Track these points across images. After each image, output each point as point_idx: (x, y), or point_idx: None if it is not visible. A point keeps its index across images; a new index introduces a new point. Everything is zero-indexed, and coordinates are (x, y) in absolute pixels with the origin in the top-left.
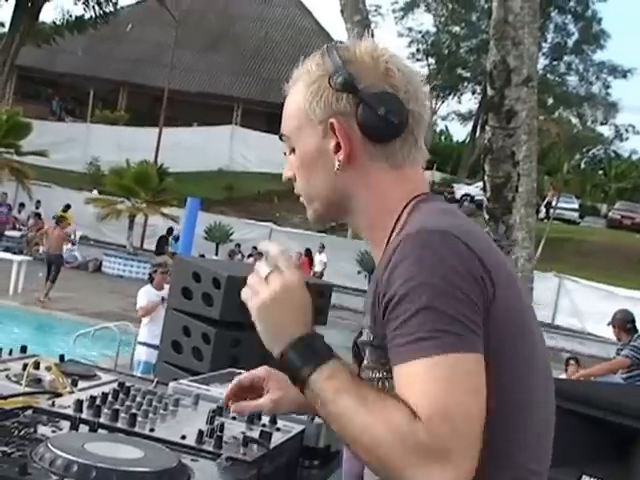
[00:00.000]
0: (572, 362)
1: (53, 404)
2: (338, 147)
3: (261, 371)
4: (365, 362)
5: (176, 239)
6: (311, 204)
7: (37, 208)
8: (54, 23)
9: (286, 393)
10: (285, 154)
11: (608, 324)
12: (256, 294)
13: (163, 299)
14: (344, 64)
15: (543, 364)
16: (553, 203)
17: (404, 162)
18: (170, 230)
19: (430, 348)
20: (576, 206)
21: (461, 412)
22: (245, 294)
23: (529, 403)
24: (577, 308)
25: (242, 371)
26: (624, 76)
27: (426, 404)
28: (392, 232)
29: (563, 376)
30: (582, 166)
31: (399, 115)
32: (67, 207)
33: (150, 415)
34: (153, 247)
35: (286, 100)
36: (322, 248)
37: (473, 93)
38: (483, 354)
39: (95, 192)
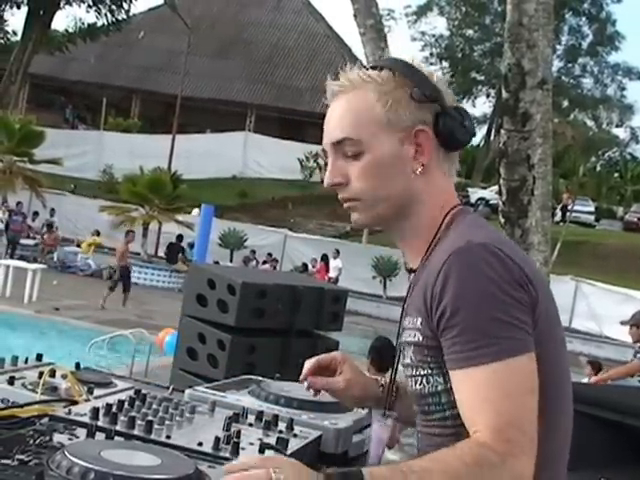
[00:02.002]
0: (589, 367)
1: (69, 412)
2: (417, 153)
3: (337, 354)
4: (407, 360)
5: (191, 246)
6: (374, 207)
7: (52, 216)
8: (66, 31)
9: (358, 378)
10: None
11: (625, 323)
12: None
13: None
14: (426, 78)
15: (567, 365)
16: (569, 206)
17: (453, 170)
18: (180, 237)
19: (488, 355)
20: (592, 209)
21: (525, 415)
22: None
23: (557, 403)
24: (594, 312)
25: (259, 377)
26: (639, 78)
27: (492, 414)
28: (434, 239)
29: (584, 380)
30: (598, 169)
31: (474, 128)
32: (98, 233)
33: (166, 422)
34: None
35: (344, 105)
36: (337, 254)
37: (487, 96)
38: (534, 351)
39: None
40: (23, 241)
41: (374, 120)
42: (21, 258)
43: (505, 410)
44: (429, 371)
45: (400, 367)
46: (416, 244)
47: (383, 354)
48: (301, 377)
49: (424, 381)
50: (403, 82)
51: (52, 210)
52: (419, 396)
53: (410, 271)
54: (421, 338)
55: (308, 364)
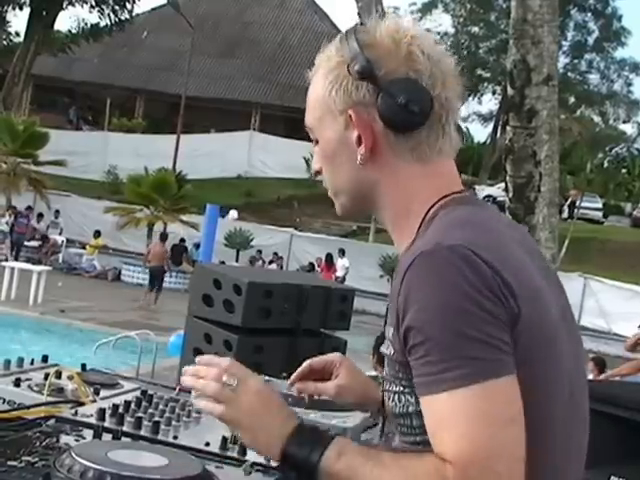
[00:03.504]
0: (592, 364)
1: (76, 413)
2: (360, 139)
3: (335, 356)
4: (384, 373)
5: (197, 246)
6: (337, 198)
7: (56, 217)
8: (69, 32)
9: (352, 384)
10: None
11: None
12: (227, 405)
13: None
14: (363, 49)
15: (575, 372)
16: (577, 203)
17: (431, 154)
18: (182, 240)
19: (456, 379)
20: (600, 205)
21: (497, 450)
22: (206, 405)
23: (552, 417)
24: (603, 309)
25: (265, 377)
26: None
27: (456, 449)
28: (416, 236)
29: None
30: (605, 165)
31: (421, 103)
32: (98, 233)
33: (173, 422)
34: None
35: (309, 89)
36: (342, 253)
37: (493, 93)
38: (515, 373)
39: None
40: (28, 243)
41: (319, 104)
42: (26, 260)
43: (471, 445)
44: (401, 388)
45: None
46: (398, 238)
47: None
48: (288, 383)
49: (396, 399)
50: (345, 56)
51: (57, 212)
52: (391, 415)
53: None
54: (392, 352)
55: (300, 368)
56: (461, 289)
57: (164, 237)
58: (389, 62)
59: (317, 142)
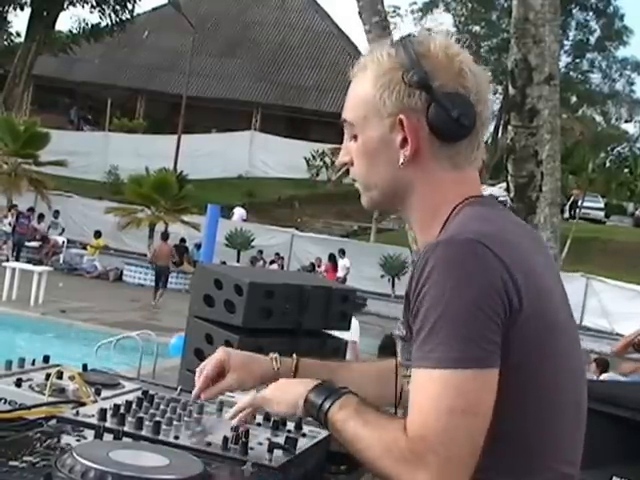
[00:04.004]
0: (594, 364)
1: (77, 413)
2: (404, 142)
3: (220, 353)
4: (399, 358)
5: (198, 247)
6: (368, 191)
7: (56, 218)
8: (70, 32)
9: (247, 371)
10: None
11: None
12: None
13: None
14: (419, 60)
15: (577, 368)
16: (578, 202)
17: (465, 163)
18: (182, 240)
19: (433, 361)
20: (602, 205)
21: (440, 434)
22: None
23: (560, 408)
24: (605, 309)
25: None
26: None
27: (414, 420)
28: (440, 232)
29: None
30: (607, 164)
31: (470, 118)
32: (98, 234)
33: (174, 422)
34: None
35: (351, 86)
36: (342, 254)
37: (495, 93)
38: (494, 368)
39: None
40: (29, 243)
41: (366, 104)
42: (27, 261)
43: (424, 422)
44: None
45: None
46: (422, 236)
47: (394, 351)
48: (192, 396)
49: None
50: (400, 63)
51: (56, 212)
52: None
53: None
54: (405, 332)
55: (197, 382)
56: (468, 281)
57: (165, 236)
58: (443, 75)
59: (354, 138)
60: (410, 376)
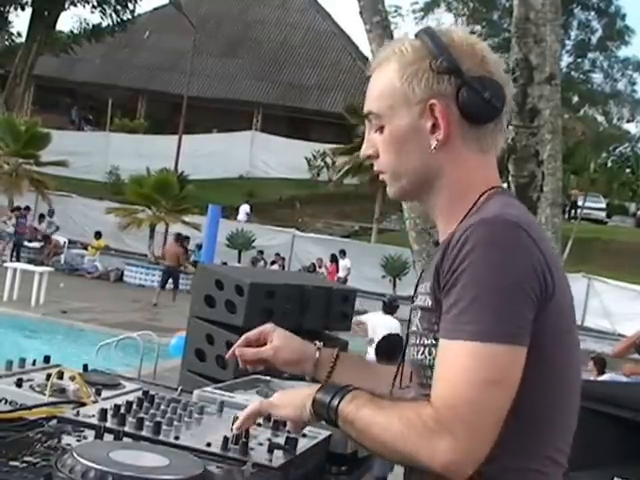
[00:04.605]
0: (591, 363)
1: (77, 413)
2: (434, 127)
3: (267, 326)
4: (413, 328)
5: (199, 247)
6: (398, 181)
7: (50, 217)
8: (71, 32)
9: (287, 343)
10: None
11: None
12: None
13: None
14: (446, 47)
15: (578, 361)
16: (579, 203)
17: (490, 146)
18: (186, 238)
19: (469, 333)
20: (603, 205)
21: (471, 403)
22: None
23: (569, 395)
24: (607, 309)
25: (267, 377)
26: None
27: (444, 390)
28: (466, 215)
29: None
30: (609, 164)
31: (501, 100)
32: (99, 234)
33: (175, 423)
34: None
35: (373, 79)
36: (343, 254)
37: None
38: (525, 347)
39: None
40: (29, 244)
41: (393, 93)
42: (28, 261)
43: (455, 392)
44: (433, 341)
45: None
46: (446, 219)
47: (391, 350)
48: (228, 354)
49: (426, 352)
50: (425, 52)
51: (51, 211)
52: (419, 366)
53: (437, 245)
54: (430, 302)
55: (238, 341)
56: (508, 260)
57: (179, 237)
58: (469, 61)
59: (380, 129)
60: (423, 345)
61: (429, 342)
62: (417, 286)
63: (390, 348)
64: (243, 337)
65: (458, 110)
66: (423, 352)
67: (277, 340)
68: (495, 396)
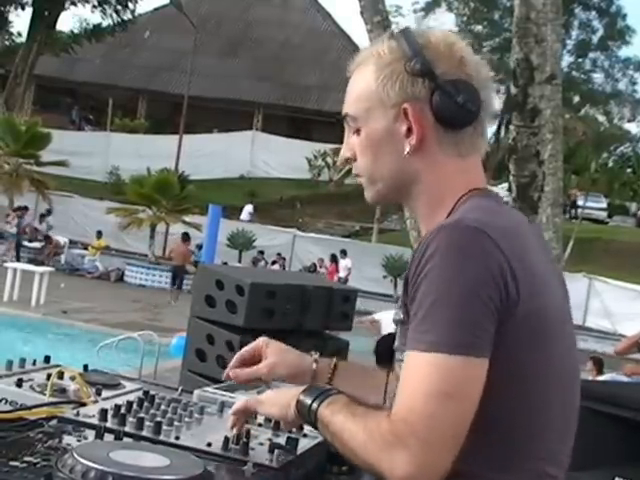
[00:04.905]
0: (590, 362)
1: (77, 413)
2: (409, 132)
3: (259, 341)
4: (396, 343)
5: (199, 247)
6: (374, 185)
7: (47, 215)
8: (72, 32)
9: (282, 358)
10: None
11: None
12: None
13: None
14: (421, 49)
15: (570, 368)
16: (580, 203)
17: (470, 151)
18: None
19: (426, 344)
20: (604, 205)
21: (423, 416)
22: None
23: (546, 407)
24: (608, 309)
25: None
26: None
27: (401, 403)
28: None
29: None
30: (610, 164)
31: (476, 104)
32: (100, 234)
33: (175, 423)
34: None
35: (351, 81)
36: (344, 254)
37: (497, 93)
38: (485, 358)
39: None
40: (30, 244)
41: (369, 96)
42: (29, 261)
43: (410, 405)
44: None
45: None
46: (426, 225)
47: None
48: (224, 375)
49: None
50: (401, 54)
51: (47, 210)
52: None
53: None
54: (402, 316)
55: (232, 362)
56: (467, 267)
57: (186, 237)
58: (444, 64)
59: (357, 132)
60: (401, 360)
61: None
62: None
63: (389, 348)
64: (237, 356)
65: (432, 114)
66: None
67: (272, 356)
68: (451, 410)
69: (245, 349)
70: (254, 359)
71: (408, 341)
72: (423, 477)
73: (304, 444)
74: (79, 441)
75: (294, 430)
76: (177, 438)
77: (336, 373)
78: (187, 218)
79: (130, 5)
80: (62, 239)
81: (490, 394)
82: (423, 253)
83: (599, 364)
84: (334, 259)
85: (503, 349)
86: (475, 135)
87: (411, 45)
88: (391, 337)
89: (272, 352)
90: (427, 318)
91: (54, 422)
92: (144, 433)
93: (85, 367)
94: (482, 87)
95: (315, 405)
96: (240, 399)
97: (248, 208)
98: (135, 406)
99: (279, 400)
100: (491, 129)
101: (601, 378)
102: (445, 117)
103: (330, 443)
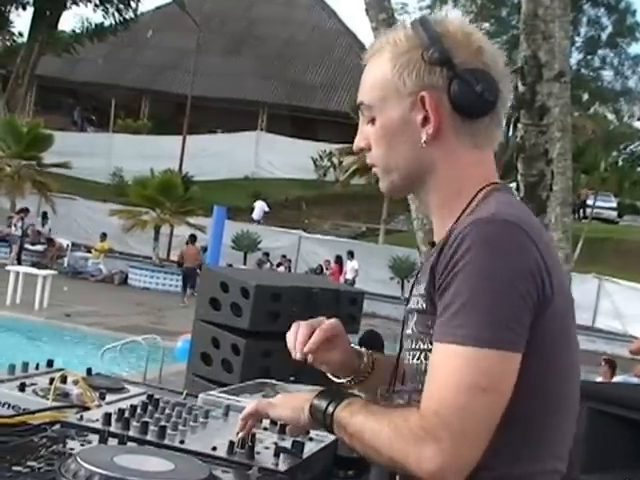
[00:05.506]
0: (603, 363)
1: (81, 418)
2: (425, 121)
3: (338, 326)
4: (409, 331)
5: (204, 249)
6: (389, 175)
7: (44, 218)
8: (73, 31)
9: (350, 359)
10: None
11: None
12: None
13: None
14: (439, 38)
15: (577, 367)
16: (589, 202)
17: (485, 142)
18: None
19: (460, 337)
20: (614, 205)
21: (457, 409)
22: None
23: (570, 400)
24: (618, 310)
25: (273, 381)
26: None
27: (432, 396)
28: (463, 213)
29: (599, 378)
30: (620, 163)
31: (493, 93)
32: (104, 236)
33: (180, 427)
34: None
35: (366, 69)
36: (351, 256)
37: None
38: (520, 353)
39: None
40: (32, 247)
41: (384, 85)
42: (32, 264)
43: (442, 398)
44: (429, 346)
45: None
46: (441, 217)
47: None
48: (307, 349)
49: (422, 356)
50: (418, 42)
51: (44, 213)
52: (415, 372)
53: (432, 245)
54: (424, 305)
55: (317, 336)
56: (504, 261)
57: (194, 238)
58: (463, 53)
59: (371, 121)
60: (419, 349)
61: (425, 347)
62: (412, 288)
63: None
64: (323, 335)
65: (450, 103)
66: (419, 357)
67: (340, 351)
68: (483, 403)
69: (326, 329)
70: (329, 340)
71: (439, 334)
72: (452, 470)
73: (310, 448)
74: (83, 446)
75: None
76: (182, 442)
77: (374, 369)
78: (191, 220)
79: (132, 4)
80: (65, 242)
81: (516, 388)
82: (458, 246)
83: (613, 366)
84: (339, 260)
85: (533, 345)
86: (491, 126)
87: (429, 33)
88: (372, 333)
89: (342, 346)
90: (461, 312)
91: (57, 427)
92: (148, 437)
93: (89, 371)
94: (500, 78)
95: (331, 408)
96: (249, 403)
97: (261, 205)
98: (139, 410)
99: (292, 403)
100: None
101: (613, 380)
102: (463, 106)
103: (350, 445)
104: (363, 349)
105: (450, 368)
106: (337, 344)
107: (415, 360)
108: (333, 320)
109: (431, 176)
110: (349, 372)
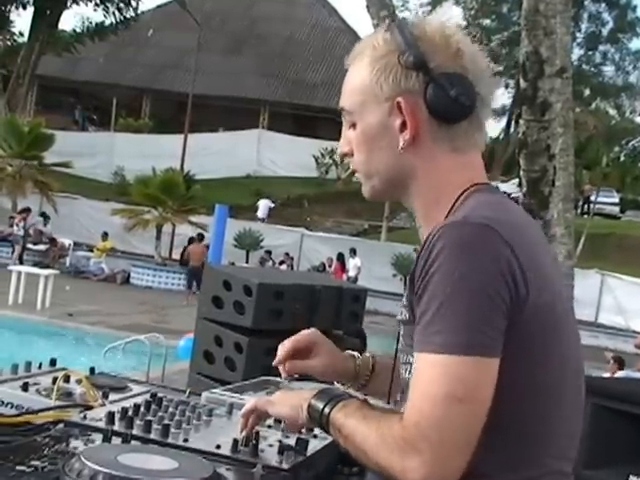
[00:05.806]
0: (612, 362)
1: (84, 417)
2: (403, 126)
3: (312, 334)
4: (399, 345)
5: (206, 248)
6: (369, 180)
7: (43, 217)
8: (74, 31)
9: (333, 361)
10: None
11: None
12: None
13: None
14: (415, 41)
15: (575, 364)
16: (592, 197)
17: (467, 146)
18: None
19: (436, 345)
20: (617, 200)
21: (434, 420)
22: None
23: (560, 401)
24: (621, 306)
25: (276, 378)
26: None
27: (412, 406)
28: (446, 218)
29: (606, 374)
30: (622, 158)
31: (470, 97)
32: (106, 235)
33: (183, 425)
34: None
35: (348, 74)
36: (354, 253)
37: (506, 87)
38: (496, 358)
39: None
40: (34, 247)
41: (364, 90)
42: (34, 264)
43: (421, 409)
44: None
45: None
46: (425, 223)
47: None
48: (275, 362)
49: (412, 370)
50: (394, 47)
51: (43, 213)
52: (405, 386)
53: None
54: (407, 315)
55: (283, 348)
56: (477, 265)
57: (201, 237)
58: (439, 56)
59: (353, 126)
60: (409, 363)
61: (413, 360)
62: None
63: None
64: (288, 345)
65: (426, 108)
66: (410, 371)
67: (325, 356)
68: (461, 413)
69: (297, 340)
70: (304, 352)
71: (417, 343)
72: None
73: (314, 445)
74: (86, 445)
75: (304, 431)
76: (185, 440)
77: (374, 372)
78: (193, 218)
79: (133, 3)
80: (67, 241)
81: (502, 393)
82: (430, 251)
83: (620, 363)
84: (340, 258)
85: (514, 346)
86: (471, 130)
87: (405, 37)
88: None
89: (325, 352)
90: (435, 319)
91: (61, 426)
92: (152, 436)
93: (92, 370)
94: (479, 79)
95: (327, 410)
96: (249, 401)
97: (266, 203)
98: (143, 409)
99: (291, 401)
100: (500, 124)
101: (616, 375)
102: (439, 111)
103: (343, 446)
104: (356, 353)
105: (427, 378)
106: (318, 352)
107: (407, 374)
108: (309, 330)
109: (412, 181)
110: (345, 376)
